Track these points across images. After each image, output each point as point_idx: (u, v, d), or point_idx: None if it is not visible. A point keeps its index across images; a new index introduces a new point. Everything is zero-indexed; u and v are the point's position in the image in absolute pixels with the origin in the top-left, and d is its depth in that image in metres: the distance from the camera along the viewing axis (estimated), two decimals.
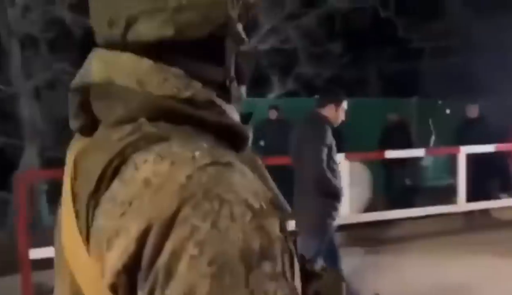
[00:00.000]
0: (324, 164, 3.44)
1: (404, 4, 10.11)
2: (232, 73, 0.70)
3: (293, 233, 0.63)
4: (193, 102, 0.64)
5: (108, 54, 0.67)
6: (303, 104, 7.34)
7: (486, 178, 7.06)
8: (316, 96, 4.68)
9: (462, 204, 6.15)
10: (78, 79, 0.67)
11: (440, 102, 9.68)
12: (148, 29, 0.63)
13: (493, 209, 6.79)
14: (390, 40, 10.91)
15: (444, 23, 10.53)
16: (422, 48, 11.47)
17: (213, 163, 0.57)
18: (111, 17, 0.65)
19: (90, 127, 0.66)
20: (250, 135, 0.70)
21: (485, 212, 6.81)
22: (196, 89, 0.65)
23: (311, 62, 9.64)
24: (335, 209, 3.58)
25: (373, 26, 10.54)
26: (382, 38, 11.11)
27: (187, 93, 0.64)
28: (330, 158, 3.51)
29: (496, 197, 7.11)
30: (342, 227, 4.88)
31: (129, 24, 0.64)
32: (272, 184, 0.68)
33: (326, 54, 9.66)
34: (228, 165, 0.58)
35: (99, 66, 0.66)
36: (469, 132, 6.80)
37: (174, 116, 0.62)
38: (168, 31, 0.63)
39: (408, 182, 7.89)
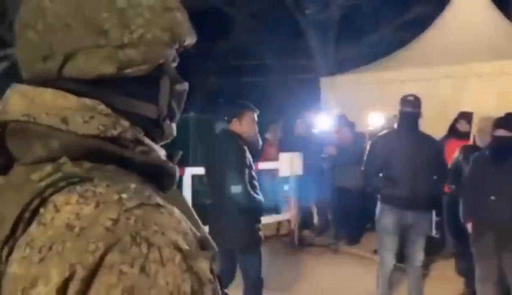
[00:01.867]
0: (247, 182, 3.37)
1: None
2: (166, 111, 0.72)
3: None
4: (119, 141, 0.63)
5: (30, 90, 0.64)
6: None
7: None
8: None
9: None
10: None
11: (226, 118, 9.66)
12: (87, 65, 0.63)
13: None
14: None
15: (230, 43, 10.66)
16: (204, 65, 11.50)
17: (141, 205, 0.56)
18: (46, 51, 0.63)
19: (4, 165, 0.62)
20: (177, 174, 0.70)
21: None
22: (123, 127, 0.64)
23: None
24: (260, 222, 3.59)
25: None
26: None
27: (114, 132, 0.63)
28: (250, 175, 3.42)
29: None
30: None
31: (66, 59, 0.63)
32: (199, 223, 0.68)
33: None
34: (156, 206, 0.57)
35: (19, 102, 0.63)
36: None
37: (98, 155, 0.61)
38: (109, 68, 0.63)
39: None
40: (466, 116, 5.13)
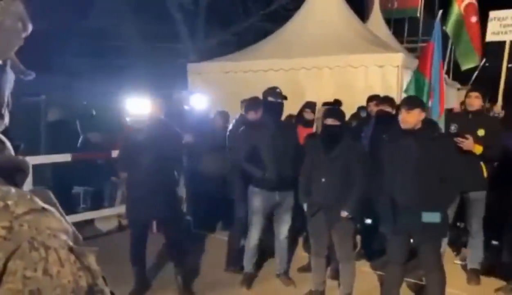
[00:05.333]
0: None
1: None
2: (5, 101, 0.70)
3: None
4: None
5: None
6: None
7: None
8: None
9: None
10: None
11: (85, 102, 9.14)
12: None
13: (97, 219, 6.53)
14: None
15: (90, 23, 10.08)
16: (61, 45, 10.77)
17: (30, 211, 0.57)
18: None
19: None
20: (29, 168, 0.68)
21: (90, 222, 6.50)
22: None
23: None
24: None
25: None
26: None
27: None
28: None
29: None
30: None
31: None
32: (64, 215, 0.66)
33: None
34: (42, 210, 0.59)
35: None
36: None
37: None
38: None
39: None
40: (310, 105, 5.49)
